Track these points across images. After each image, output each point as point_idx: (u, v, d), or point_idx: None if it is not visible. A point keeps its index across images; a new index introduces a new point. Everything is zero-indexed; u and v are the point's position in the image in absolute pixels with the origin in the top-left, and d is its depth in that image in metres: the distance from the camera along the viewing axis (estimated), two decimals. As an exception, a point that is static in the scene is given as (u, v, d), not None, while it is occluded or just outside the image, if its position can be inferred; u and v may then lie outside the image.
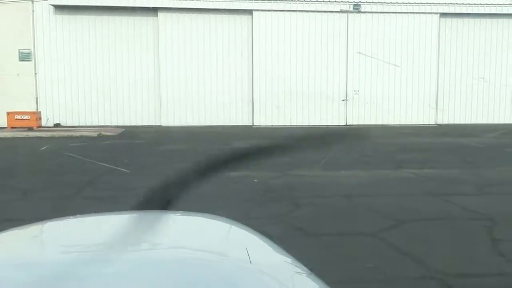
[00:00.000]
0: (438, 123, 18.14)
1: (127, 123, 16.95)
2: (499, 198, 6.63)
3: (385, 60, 17.68)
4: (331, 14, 17.50)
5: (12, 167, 9.34)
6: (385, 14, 17.64)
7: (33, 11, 16.80)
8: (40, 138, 13.84)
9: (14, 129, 15.18)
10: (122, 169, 8.51)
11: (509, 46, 18.20)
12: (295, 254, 1.26)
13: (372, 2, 17.49)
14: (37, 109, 16.91)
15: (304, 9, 17.35)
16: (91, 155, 10.00)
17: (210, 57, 17.26)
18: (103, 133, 14.48)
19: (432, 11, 17.73)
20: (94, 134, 14.31)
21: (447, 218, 5.58)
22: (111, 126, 16.56)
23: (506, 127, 16.51)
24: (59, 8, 16.77)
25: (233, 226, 1.37)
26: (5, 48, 16.68)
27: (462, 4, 17.61)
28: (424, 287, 3.76)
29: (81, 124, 16.87)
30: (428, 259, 4.16)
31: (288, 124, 17.34)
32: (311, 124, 17.43)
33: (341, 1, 17.41)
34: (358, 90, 17.78)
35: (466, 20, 17.94)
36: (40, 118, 16.36)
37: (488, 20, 17.98)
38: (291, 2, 17.27)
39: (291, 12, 17.37)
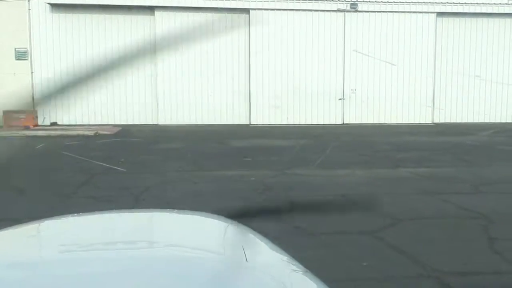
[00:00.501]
0: (434, 122, 18.18)
1: (123, 122, 16.92)
2: (494, 196, 6.65)
3: (382, 59, 17.70)
4: (328, 13, 17.50)
5: (8, 166, 9.30)
6: (382, 13, 17.65)
7: (29, 9, 16.73)
8: (36, 137, 13.80)
9: (10, 128, 15.12)
10: (118, 168, 8.50)
11: (505, 45, 18.25)
12: (293, 253, 1.26)
13: (369, 1, 17.50)
14: (33, 108, 16.85)
15: (301, 8, 17.35)
16: (88, 154, 9.97)
17: (207, 55, 17.24)
18: (99, 132, 14.45)
19: (429, 11, 17.76)
20: (91, 133, 14.27)
21: (443, 216, 5.59)
22: (107, 125, 16.52)
23: (501, 126, 16.56)
24: (55, 6, 16.71)
25: (229, 225, 1.37)
26: (1, 47, 16.61)
27: (459, 3, 17.65)
28: (421, 285, 3.77)
29: (77, 123, 16.82)
30: (425, 258, 4.18)
31: (285, 123, 17.34)
32: (308, 123, 17.44)
33: (338, 0, 17.41)
34: (355, 89, 17.80)
35: (463, 19, 17.98)
36: (36, 117, 16.31)
37: (485, 20, 18.03)
38: (288, 1, 17.26)
39: (288, 11, 17.36)
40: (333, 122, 17.64)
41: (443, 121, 18.17)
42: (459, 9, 17.68)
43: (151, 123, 17.18)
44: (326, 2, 17.38)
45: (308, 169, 8.44)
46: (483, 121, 18.03)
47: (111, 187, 7.13)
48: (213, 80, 17.42)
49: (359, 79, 17.79)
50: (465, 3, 17.59)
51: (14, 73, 16.85)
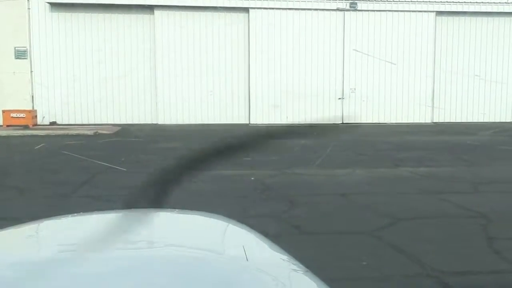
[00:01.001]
0: (434, 121, 18.19)
1: (123, 122, 16.91)
2: (494, 196, 6.66)
3: (382, 59, 17.71)
4: (328, 12, 17.50)
5: (7, 165, 9.31)
6: (381, 12, 17.66)
7: (28, 8, 16.72)
8: (36, 136, 13.80)
9: (9, 127, 15.12)
10: (118, 167, 8.50)
11: (505, 44, 18.25)
12: (293, 252, 1.27)
13: (369, 0, 17.50)
14: (32, 107, 16.84)
15: (301, 7, 17.35)
16: (88, 153, 9.97)
17: (207, 55, 17.23)
18: (99, 131, 14.45)
19: (429, 9, 17.76)
20: (90, 132, 14.27)
21: (443, 216, 5.60)
22: (107, 124, 16.51)
23: (501, 125, 16.57)
24: (55, 5, 16.70)
25: (230, 224, 1.38)
26: (0, 46, 16.60)
27: (458, 2, 17.65)
28: (420, 284, 3.77)
29: (77, 122, 16.81)
30: (424, 257, 4.18)
31: (284, 122, 17.34)
32: (308, 122, 17.43)
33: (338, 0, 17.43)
34: (355, 88, 17.81)
35: (462, 18, 17.99)
36: (35, 116, 16.31)
37: (484, 19, 18.03)
38: (288, 0, 17.26)
39: (288, 10, 17.36)
40: (333, 122, 17.65)
41: (442, 121, 18.18)
42: (459, 8, 17.68)
43: (151, 123, 17.18)
44: (325, 1, 17.38)
45: (308, 169, 8.45)
46: (482, 121, 18.05)
47: (112, 186, 7.13)
48: (212, 80, 17.42)
49: (358, 78, 17.79)
50: (465, 2, 17.60)
51: (14, 72, 16.84)
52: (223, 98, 17.52)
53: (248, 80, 17.49)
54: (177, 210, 1.53)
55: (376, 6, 17.56)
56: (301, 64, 17.54)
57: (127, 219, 1.47)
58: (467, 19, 18.00)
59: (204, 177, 7.89)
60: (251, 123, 17.36)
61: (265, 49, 17.35)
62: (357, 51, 17.60)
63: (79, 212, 1.45)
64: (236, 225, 1.37)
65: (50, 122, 16.95)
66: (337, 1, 17.42)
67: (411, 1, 17.61)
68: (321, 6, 17.40)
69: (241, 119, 17.48)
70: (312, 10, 17.42)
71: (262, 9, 17.18)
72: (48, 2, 16.58)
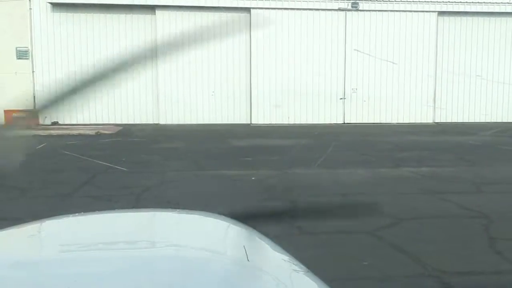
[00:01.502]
0: (436, 121, 18.16)
1: (125, 122, 16.92)
2: (496, 196, 6.65)
3: (383, 59, 17.69)
4: (329, 12, 17.49)
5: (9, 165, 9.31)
6: (383, 12, 17.63)
7: (30, 8, 16.74)
8: (37, 136, 13.81)
9: (10, 127, 15.13)
10: (120, 168, 8.50)
11: (507, 44, 18.22)
12: (294, 252, 1.26)
13: (371, 0, 17.48)
14: (34, 108, 16.85)
15: (302, 7, 17.34)
16: (89, 153, 9.98)
17: (208, 55, 17.24)
18: (101, 131, 14.46)
19: (430, 10, 17.74)
20: (92, 132, 14.28)
21: (444, 216, 5.59)
22: (109, 124, 16.52)
23: (503, 125, 16.55)
24: (57, 5, 16.72)
25: (231, 225, 1.37)
26: (2, 46, 16.62)
27: (460, 2, 17.62)
28: (422, 284, 3.77)
29: (79, 122, 16.83)
30: (425, 257, 4.18)
31: (286, 122, 17.33)
32: (309, 122, 17.43)
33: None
34: (356, 89, 17.79)
35: (464, 18, 17.96)
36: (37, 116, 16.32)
37: (486, 19, 18.00)
38: (289, 0, 17.25)
39: (289, 10, 17.35)
40: (334, 122, 17.64)
41: (444, 121, 18.15)
42: (460, 8, 17.65)
43: (152, 123, 17.19)
44: (327, 1, 17.36)
45: (309, 169, 8.44)
46: (484, 121, 18.01)
47: (113, 186, 7.13)
48: (214, 80, 17.42)
49: (360, 78, 17.78)
50: (466, 2, 17.57)
51: (16, 72, 16.86)
52: (224, 98, 17.52)
53: (249, 80, 17.48)
54: (178, 210, 1.53)
55: (378, 6, 17.54)
56: (302, 64, 17.52)
57: (128, 219, 1.47)
58: (469, 19, 17.97)
59: (206, 177, 7.90)
60: (252, 123, 17.36)
61: (266, 49, 17.35)
62: (359, 51, 17.58)
63: (80, 212, 1.45)
64: (237, 225, 1.37)
65: (52, 122, 16.97)
66: (339, 1, 17.41)
67: (413, 1, 17.59)
68: (323, 6, 17.38)
69: (243, 119, 17.48)
70: (314, 10, 17.41)
71: (264, 9, 17.18)
72: (49, 2, 16.60)
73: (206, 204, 5.83)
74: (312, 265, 1.22)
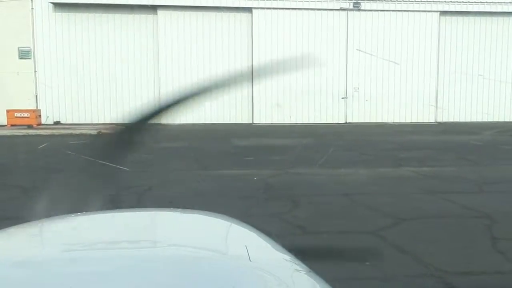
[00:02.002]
0: (438, 121, 18.14)
1: (126, 121, 16.94)
2: (498, 196, 6.63)
3: (385, 58, 17.68)
4: (331, 12, 17.49)
5: (11, 165, 9.34)
6: (385, 12, 17.62)
7: (32, 8, 16.77)
8: (40, 136, 13.83)
9: (13, 127, 15.17)
10: (121, 167, 8.49)
11: (509, 44, 18.19)
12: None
13: (372, 0, 17.47)
14: (36, 107, 16.90)
15: (304, 7, 17.33)
16: (91, 153, 9.97)
17: (210, 54, 17.25)
18: (103, 131, 14.46)
19: (432, 9, 17.72)
20: (94, 131, 14.29)
21: (446, 216, 5.58)
22: (111, 124, 16.54)
23: (505, 125, 16.52)
24: (59, 5, 16.74)
25: (232, 224, 1.37)
26: (4, 46, 16.66)
27: (462, 2, 17.60)
28: (424, 285, 3.76)
29: (81, 122, 16.86)
30: (427, 257, 4.17)
31: (287, 122, 17.33)
32: (311, 122, 17.42)
33: (341, -1, 17.41)
34: (358, 88, 17.78)
35: (466, 18, 17.93)
36: (39, 116, 16.36)
37: (488, 18, 17.97)
38: (291, 0, 17.25)
39: (291, 10, 17.35)
40: (336, 121, 17.63)
41: (446, 120, 18.14)
42: (463, 7, 17.63)
43: (154, 122, 17.19)
44: (329, 1, 17.36)
45: (311, 168, 8.44)
46: (486, 120, 17.99)
47: (113, 186, 7.13)
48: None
49: (362, 78, 17.77)
50: (469, 2, 17.55)
51: (18, 72, 16.89)
52: (226, 98, 17.52)
53: (251, 80, 17.47)
54: (179, 209, 1.52)
55: (380, 6, 17.53)
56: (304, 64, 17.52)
57: (130, 219, 1.47)
58: (471, 19, 17.95)
59: (208, 176, 7.90)
60: (254, 122, 17.36)
61: (268, 49, 17.35)
62: (361, 50, 17.57)
63: (81, 211, 1.45)
64: (239, 224, 1.37)
65: (54, 122, 17.00)
66: (341, 1, 17.40)
67: (415, 1, 17.57)
68: (325, 6, 17.38)
69: (244, 119, 17.48)
70: (316, 10, 17.41)
71: (265, 9, 17.18)
72: (51, 2, 16.62)
73: (208, 203, 5.83)
74: (314, 265, 1.21)
